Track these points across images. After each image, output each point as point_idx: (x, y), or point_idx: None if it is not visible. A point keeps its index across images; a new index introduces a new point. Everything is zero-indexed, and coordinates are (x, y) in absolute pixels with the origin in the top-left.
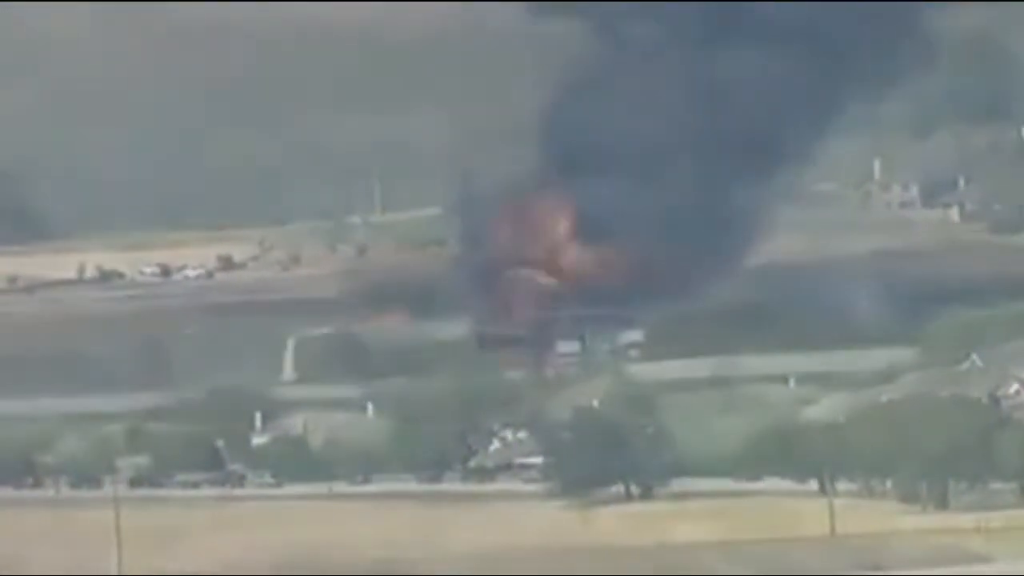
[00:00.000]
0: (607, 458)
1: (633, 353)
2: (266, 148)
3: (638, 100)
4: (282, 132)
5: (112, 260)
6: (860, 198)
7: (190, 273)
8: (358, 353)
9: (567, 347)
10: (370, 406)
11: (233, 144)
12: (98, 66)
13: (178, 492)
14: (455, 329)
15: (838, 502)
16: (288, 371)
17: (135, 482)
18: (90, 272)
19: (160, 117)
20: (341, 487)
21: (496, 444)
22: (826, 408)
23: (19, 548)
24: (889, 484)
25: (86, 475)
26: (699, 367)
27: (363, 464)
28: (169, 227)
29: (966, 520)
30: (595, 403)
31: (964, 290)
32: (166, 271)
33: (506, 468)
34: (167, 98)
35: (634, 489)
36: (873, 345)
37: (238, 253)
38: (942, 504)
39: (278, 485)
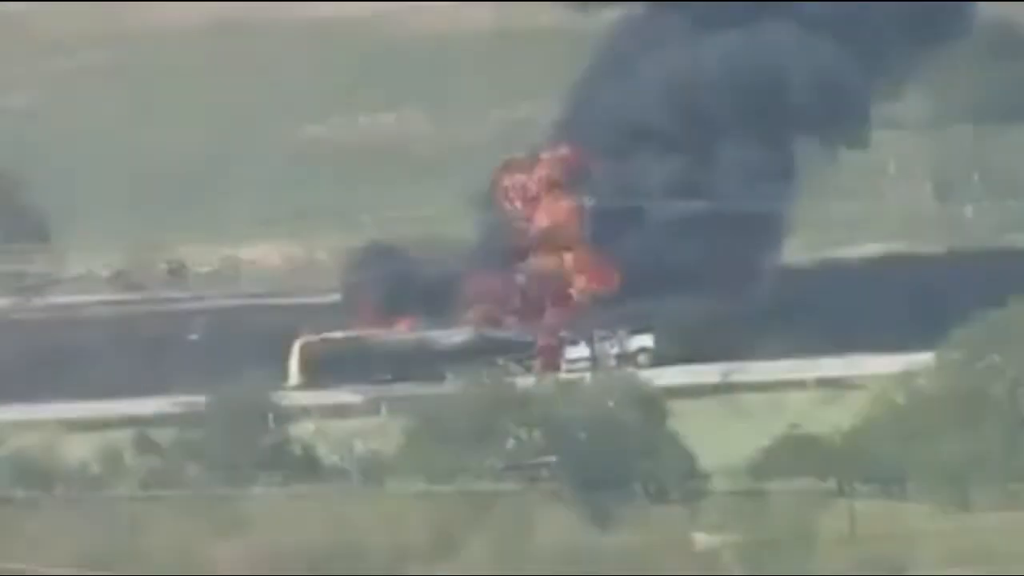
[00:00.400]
0: (622, 460)
1: (643, 359)
2: (275, 147)
3: (648, 93)
4: (291, 131)
5: (120, 260)
6: (874, 196)
7: (200, 270)
8: (367, 356)
9: (576, 352)
10: (383, 408)
11: (241, 142)
12: (101, 64)
13: (188, 494)
14: (466, 331)
15: (858, 504)
16: (294, 375)
17: (145, 485)
18: (98, 272)
19: (165, 116)
20: (352, 489)
21: (511, 444)
22: (844, 411)
23: (30, 550)
24: (909, 485)
25: (95, 479)
26: (712, 372)
27: (374, 466)
28: (176, 227)
29: (988, 520)
30: (610, 404)
31: (981, 289)
32: (173, 271)
33: (520, 468)
34: (172, 96)
35: (650, 490)
36: (890, 347)
37: (246, 253)
38: (963, 505)
39: (288, 487)
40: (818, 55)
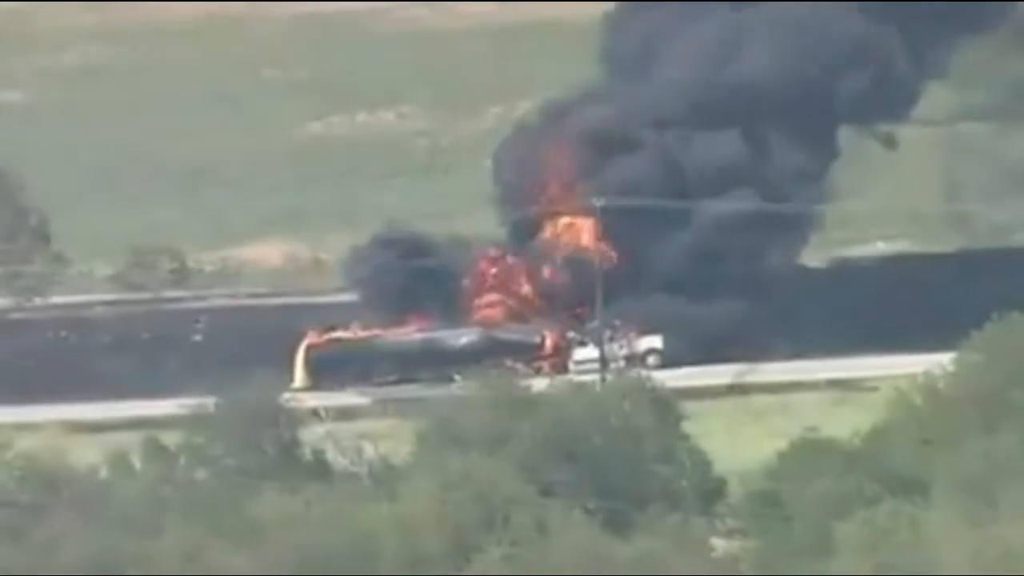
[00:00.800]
0: (637, 464)
1: (652, 360)
2: (275, 146)
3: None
4: (291, 129)
5: (120, 260)
6: (883, 194)
7: (201, 270)
8: (372, 357)
9: (584, 353)
10: (390, 411)
11: (241, 141)
12: (100, 63)
13: (197, 498)
14: (473, 332)
15: (878, 509)
16: (299, 377)
17: (153, 489)
18: (98, 272)
19: (165, 115)
20: (363, 493)
21: (523, 447)
22: (857, 412)
23: (36, 554)
24: (931, 490)
25: (102, 482)
26: (724, 373)
27: (384, 470)
28: (176, 227)
29: (1013, 528)
30: (626, 406)
31: (993, 290)
32: (174, 271)
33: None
34: (172, 94)
35: (666, 495)
36: (901, 348)
37: (247, 253)
38: (986, 511)
39: (298, 491)
40: (857, 41)
